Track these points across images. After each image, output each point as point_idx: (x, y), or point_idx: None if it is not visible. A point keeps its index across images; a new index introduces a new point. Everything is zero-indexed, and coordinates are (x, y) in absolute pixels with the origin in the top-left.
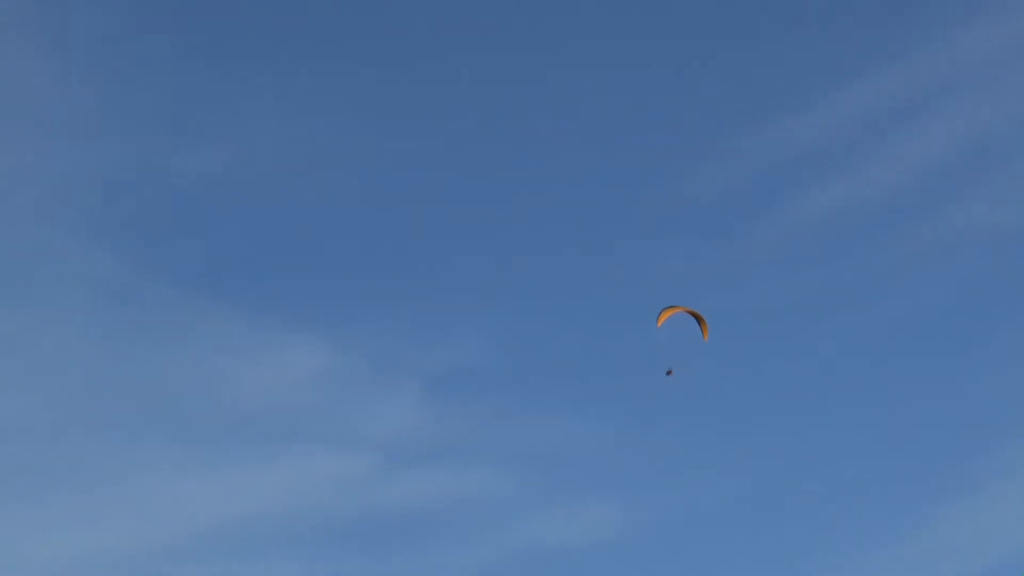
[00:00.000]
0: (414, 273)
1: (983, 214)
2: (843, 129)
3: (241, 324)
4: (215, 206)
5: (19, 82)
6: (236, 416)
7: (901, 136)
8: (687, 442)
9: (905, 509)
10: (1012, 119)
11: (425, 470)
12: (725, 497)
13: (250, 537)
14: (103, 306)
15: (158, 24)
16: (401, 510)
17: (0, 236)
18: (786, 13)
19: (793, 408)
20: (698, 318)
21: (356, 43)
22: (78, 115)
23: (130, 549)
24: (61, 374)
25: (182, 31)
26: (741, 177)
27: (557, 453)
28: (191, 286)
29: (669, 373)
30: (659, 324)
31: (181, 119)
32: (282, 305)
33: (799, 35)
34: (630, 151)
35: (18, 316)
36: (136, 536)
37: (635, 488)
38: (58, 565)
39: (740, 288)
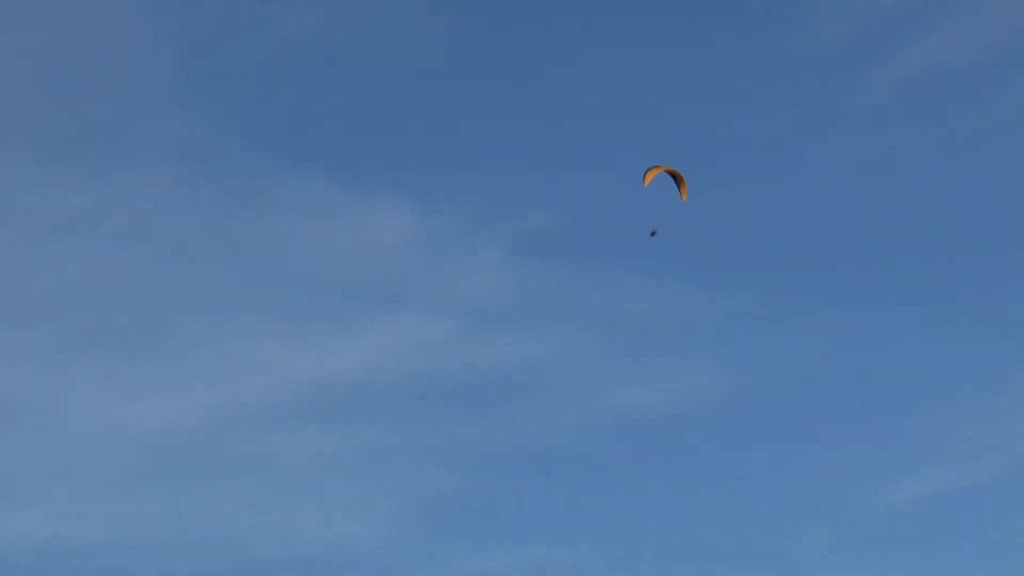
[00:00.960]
0: (501, 137)
1: None
2: None
3: (328, 189)
4: (302, 70)
5: None
6: (324, 281)
7: None
8: (775, 306)
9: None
10: None
11: (511, 334)
12: (813, 361)
13: (338, 401)
14: (189, 171)
15: None
16: (487, 374)
17: (88, 101)
18: None
19: (883, 275)
20: (678, 178)
21: None
22: None
23: (220, 414)
24: (148, 239)
25: None
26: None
27: (643, 316)
28: (278, 151)
29: (653, 234)
30: (645, 184)
31: None
32: (370, 170)
33: None
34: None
35: (109, 181)
36: (226, 401)
37: (722, 352)
38: (149, 428)
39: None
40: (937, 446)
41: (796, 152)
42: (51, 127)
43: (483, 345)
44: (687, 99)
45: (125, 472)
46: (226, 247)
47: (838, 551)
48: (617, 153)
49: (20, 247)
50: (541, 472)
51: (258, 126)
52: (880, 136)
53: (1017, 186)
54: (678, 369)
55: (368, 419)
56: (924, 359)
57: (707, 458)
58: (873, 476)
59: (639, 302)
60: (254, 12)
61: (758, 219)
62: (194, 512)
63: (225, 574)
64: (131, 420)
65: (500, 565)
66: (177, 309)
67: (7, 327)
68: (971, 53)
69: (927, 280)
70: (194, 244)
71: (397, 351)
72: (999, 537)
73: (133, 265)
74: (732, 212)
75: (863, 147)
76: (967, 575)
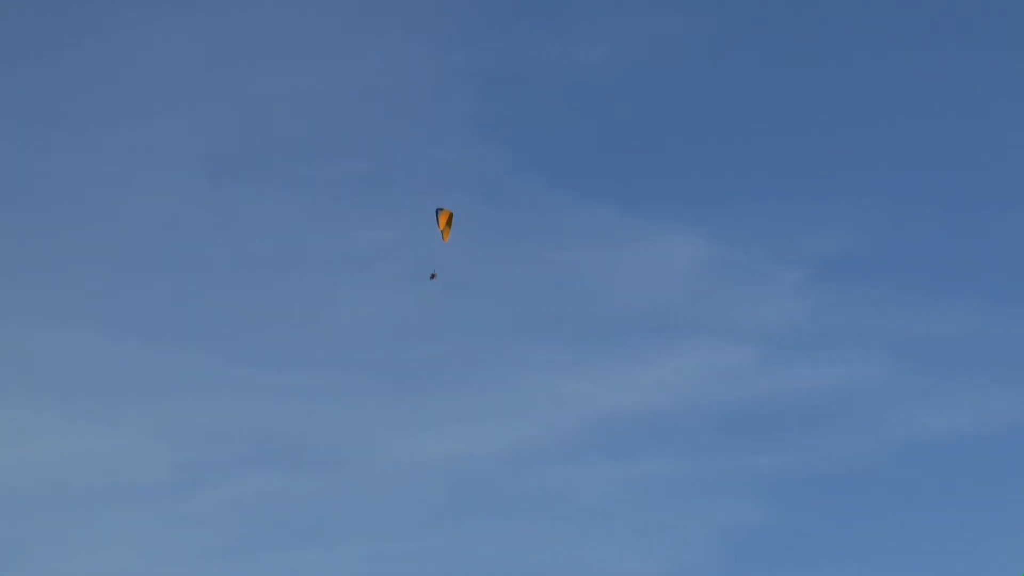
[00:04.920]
0: (794, 162)
1: None
2: None
3: (620, 219)
4: (591, 99)
5: None
6: (617, 311)
7: None
8: None
9: None
10: None
11: (808, 360)
12: None
13: (633, 433)
14: (484, 205)
15: None
16: (785, 401)
17: (384, 138)
18: None
19: None
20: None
21: None
22: (452, 10)
23: (515, 449)
24: (443, 274)
25: None
26: None
27: (941, 339)
28: (569, 182)
29: (433, 277)
30: (446, 241)
31: (555, 14)
32: (659, 197)
33: None
34: None
35: (405, 217)
36: (520, 435)
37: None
38: (445, 464)
39: None
40: None
41: None
42: (348, 165)
43: (780, 372)
44: (990, 125)
45: (423, 508)
46: (518, 280)
47: None
48: (913, 178)
49: (319, 286)
50: (840, 499)
51: (550, 157)
52: None
53: None
54: (979, 393)
55: (664, 450)
56: None
57: (1012, 483)
58: None
59: (936, 325)
60: (544, 44)
61: None
62: (490, 547)
63: None
64: (426, 456)
65: None
66: (475, 343)
67: (305, 367)
68: None
69: None
70: (490, 277)
71: (692, 380)
72: None
73: (428, 300)
74: None
75: None
76: None
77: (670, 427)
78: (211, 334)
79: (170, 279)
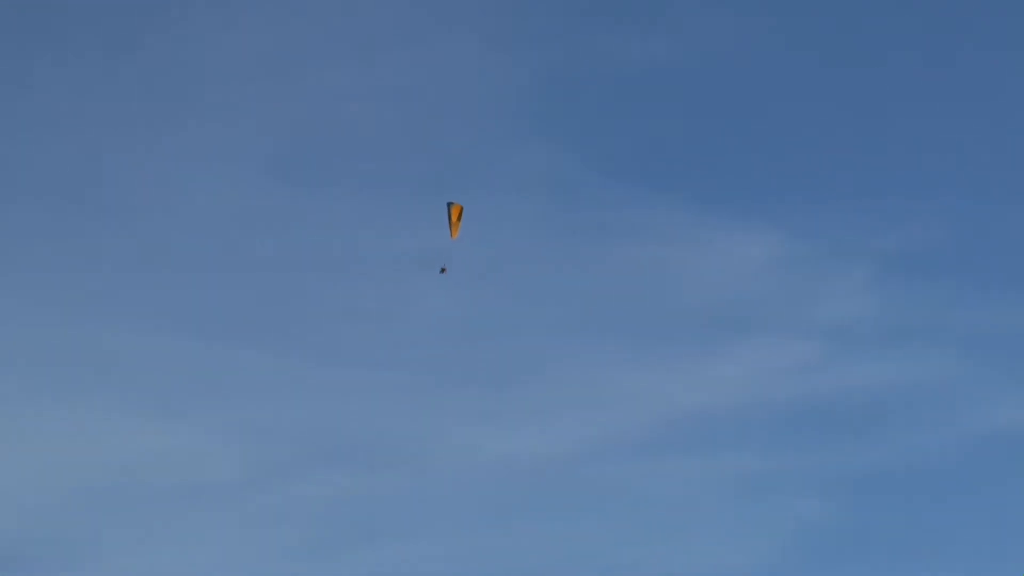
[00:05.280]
0: (863, 157)
1: None
2: None
3: (689, 215)
4: (654, 95)
5: None
6: (688, 308)
7: None
8: None
9: None
10: None
11: (879, 355)
12: None
13: (706, 429)
14: (549, 202)
15: None
16: (856, 397)
17: (445, 136)
18: None
19: None
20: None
21: None
22: (515, 8)
23: (590, 446)
24: (515, 272)
25: None
26: None
27: (1011, 334)
28: (636, 178)
29: (443, 271)
30: (454, 237)
31: (618, 10)
32: (729, 193)
33: None
34: None
35: (470, 216)
36: (595, 432)
37: None
38: (520, 462)
39: None
40: None
41: None
42: (411, 165)
43: (850, 368)
44: None
45: (492, 506)
46: (589, 277)
47: None
48: (981, 173)
49: (390, 286)
50: (910, 495)
51: (616, 154)
52: None
53: None
54: None
55: (737, 446)
56: None
57: None
58: None
59: (1005, 320)
60: (604, 40)
61: None
62: (566, 544)
63: None
64: (502, 454)
65: None
66: (543, 341)
67: (374, 366)
68: None
69: None
70: (557, 275)
71: (761, 377)
72: None
73: (499, 298)
74: None
75: None
76: None
77: (740, 424)
78: (281, 334)
79: (239, 279)
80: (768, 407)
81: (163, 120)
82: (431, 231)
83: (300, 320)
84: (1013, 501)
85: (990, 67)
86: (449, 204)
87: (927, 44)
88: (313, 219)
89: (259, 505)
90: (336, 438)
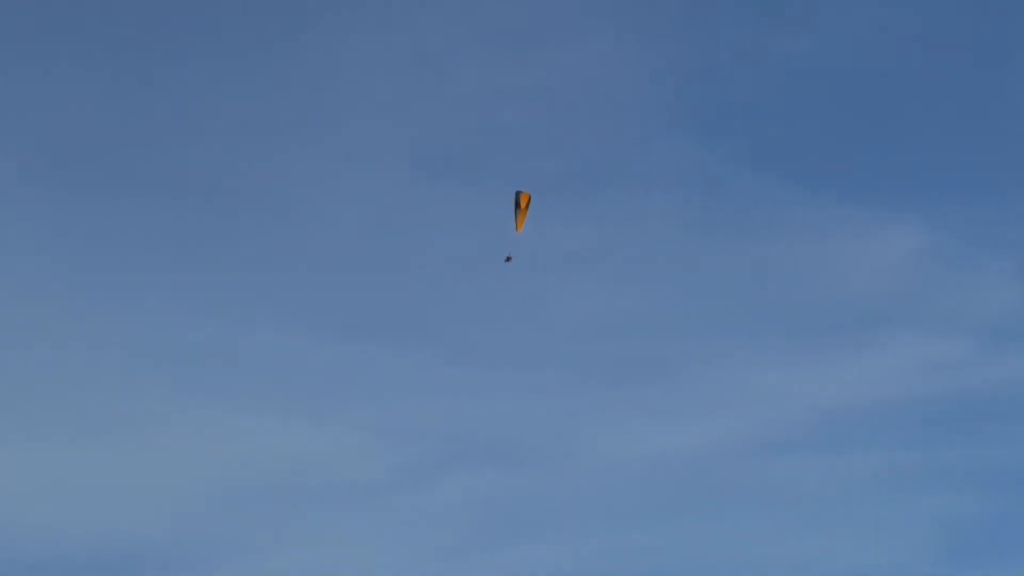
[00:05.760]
0: (1002, 149)
1: None
2: None
3: (836, 210)
4: (801, 90)
5: None
6: (830, 303)
7: None
8: None
9: None
10: None
11: None
12: None
13: (850, 425)
14: (697, 200)
15: None
16: (1004, 392)
17: (590, 136)
18: None
19: None
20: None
21: None
22: (658, 6)
23: (731, 443)
24: (659, 269)
25: None
26: None
27: None
28: (782, 174)
29: (508, 259)
30: (519, 231)
31: (760, 7)
32: (872, 187)
33: None
34: None
35: (617, 214)
36: (736, 429)
37: None
38: (658, 459)
39: None
40: None
41: None
42: (559, 162)
43: (997, 362)
44: None
45: (637, 504)
46: (731, 274)
47: None
48: None
49: (532, 284)
50: None
51: (758, 149)
52: None
53: None
54: None
55: (881, 443)
56: None
57: None
58: None
59: None
60: (749, 35)
61: None
62: (709, 542)
63: None
64: (640, 452)
65: None
66: (686, 338)
67: (518, 365)
68: None
69: None
70: (700, 272)
71: (908, 372)
72: None
73: (644, 295)
74: None
75: None
76: None
77: (886, 419)
78: (426, 333)
79: (384, 278)
80: (915, 403)
81: (307, 120)
82: (577, 229)
83: (445, 319)
84: None
85: None
86: (518, 193)
87: None
88: (459, 218)
89: (405, 505)
90: (481, 437)
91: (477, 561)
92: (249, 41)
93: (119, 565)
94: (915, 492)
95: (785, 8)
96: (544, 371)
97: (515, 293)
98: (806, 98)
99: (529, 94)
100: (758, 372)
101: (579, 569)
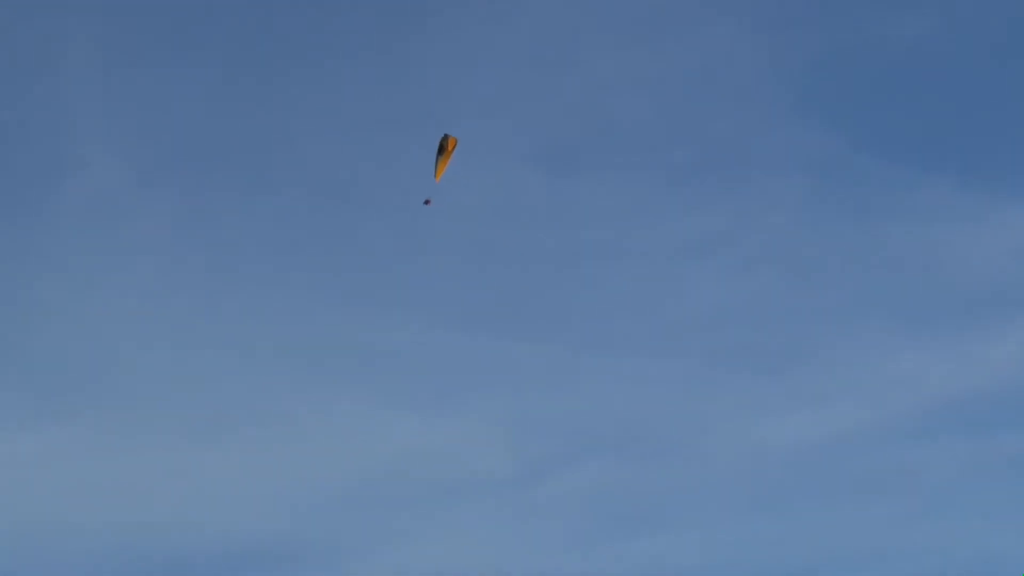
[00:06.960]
0: None
1: None
2: None
3: (954, 193)
4: (921, 72)
5: None
6: (955, 287)
7: None
8: None
9: None
10: None
11: None
12: None
13: (982, 410)
14: (819, 185)
15: None
16: None
17: (710, 123)
18: None
19: None
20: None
21: None
22: None
23: (864, 430)
24: (783, 256)
25: None
26: None
27: None
28: (903, 157)
29: (427, 202)
30: (437, 179)
31: None
32: (998, 171)
33: None
34: None
35: (738, 201)
36: (869, 416)
37: None
38: (794, 447)
39: None
40: None
41: None
42: (674, 153)
43: None
44: None
45: (766, 493)
46: (859, 259)
47: None
48: None
49: (651, 273)
50: None
51: (883, 133)
52: None
53: None
54: None
55: (1012, 427)
56: None
57: None
58: None
59: None
60: (872, 19)
61: None
62: (844, 531)
63: None
64: (775, 439)
65: None
66: (815, 325)
67: (643, 355)
68: None
69: None
70: (827, 257)
71: None
72: None
73: (770, 282)
74: None
75: None
76: None
77: (1016, 404)
78: (550, 325)
79: (508, 270)
80: None
81: (426, 115)
82: (700, 217)
83: (570, 310)
84: None
85: None
86: (445, 136)
87: None
88: (581, 209)
89: (532, 498)
90: (608, 428)
91: (607, 553)
92: (370, 38)
93: (252, 562)
94: None
95: None
96: (672, 360)
97: (641, 282)
98: (928, 82)
99: (651, 84)
100: (888, 358)
101: (711, 559)
